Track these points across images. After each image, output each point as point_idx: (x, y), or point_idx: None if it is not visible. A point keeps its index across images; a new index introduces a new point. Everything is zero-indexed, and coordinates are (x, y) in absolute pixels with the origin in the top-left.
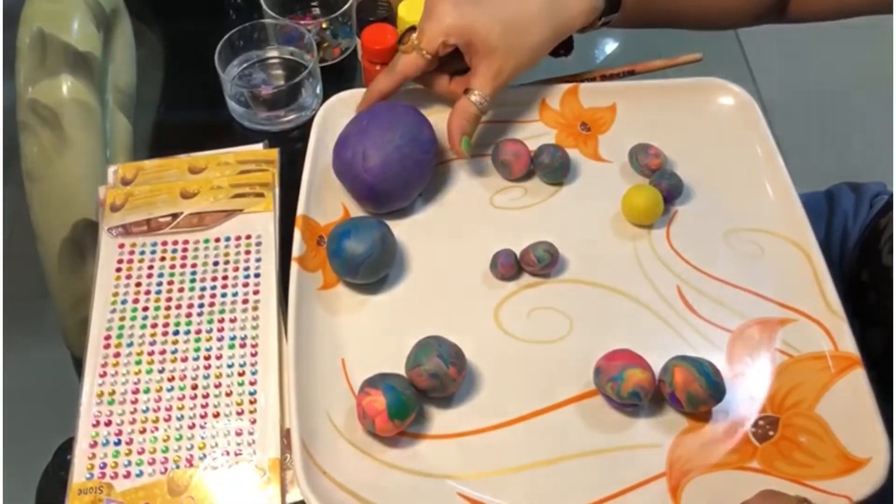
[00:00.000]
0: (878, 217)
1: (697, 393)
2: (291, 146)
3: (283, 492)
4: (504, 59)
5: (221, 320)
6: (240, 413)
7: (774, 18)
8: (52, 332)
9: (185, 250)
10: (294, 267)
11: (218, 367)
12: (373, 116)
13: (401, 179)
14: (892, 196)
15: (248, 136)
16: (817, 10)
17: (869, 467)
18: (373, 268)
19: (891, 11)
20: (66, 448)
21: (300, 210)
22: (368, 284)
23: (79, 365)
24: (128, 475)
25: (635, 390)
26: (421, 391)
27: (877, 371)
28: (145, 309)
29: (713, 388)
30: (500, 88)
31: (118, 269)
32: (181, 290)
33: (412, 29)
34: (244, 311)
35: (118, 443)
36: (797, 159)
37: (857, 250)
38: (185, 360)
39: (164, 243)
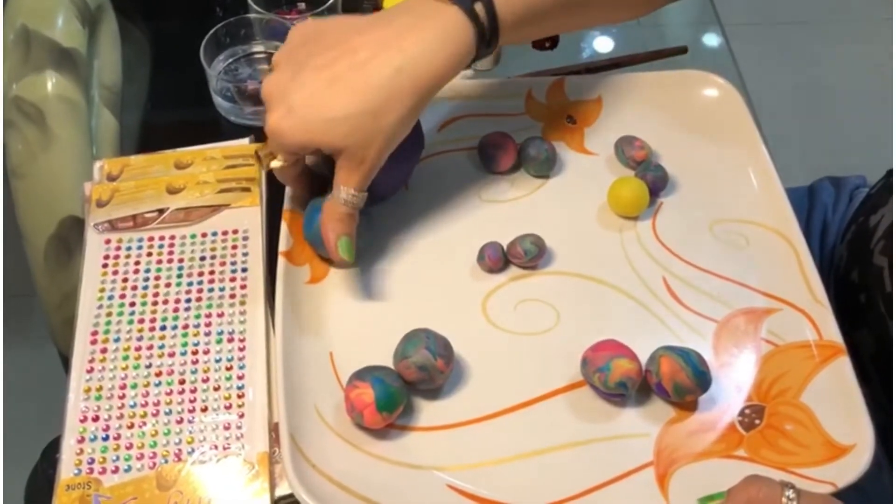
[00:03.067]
0: (866, 214)
1: (684, 382)
2: None
3: (272, 486)
4: (363, 150)
5: (209, 315)
6: (228, 407)
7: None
8: (38, 330)
9: (171, 245)
10: (281, 261)
11: (205, 362)
12: None
13: (386, 171)
14: (873, 191)
15: (234, 132)
16: None
17: (853, 454)
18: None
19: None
20: (55, 447)
21: (287, 205)
22: (355, 278)
23: (66, 362)
24: (116, 470)
25: (622, 380)
26: (409, 384)
27: (864, 372)
28: (132, 304)
29: (699, 377)
30: (368, 177)
31: (104, 265)
32: (168, 285)
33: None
34: (231, 305)
35: (106, 438)
36: (781, 155)
37: (845, 249)
38: (172, 355)
39: (151, 239)
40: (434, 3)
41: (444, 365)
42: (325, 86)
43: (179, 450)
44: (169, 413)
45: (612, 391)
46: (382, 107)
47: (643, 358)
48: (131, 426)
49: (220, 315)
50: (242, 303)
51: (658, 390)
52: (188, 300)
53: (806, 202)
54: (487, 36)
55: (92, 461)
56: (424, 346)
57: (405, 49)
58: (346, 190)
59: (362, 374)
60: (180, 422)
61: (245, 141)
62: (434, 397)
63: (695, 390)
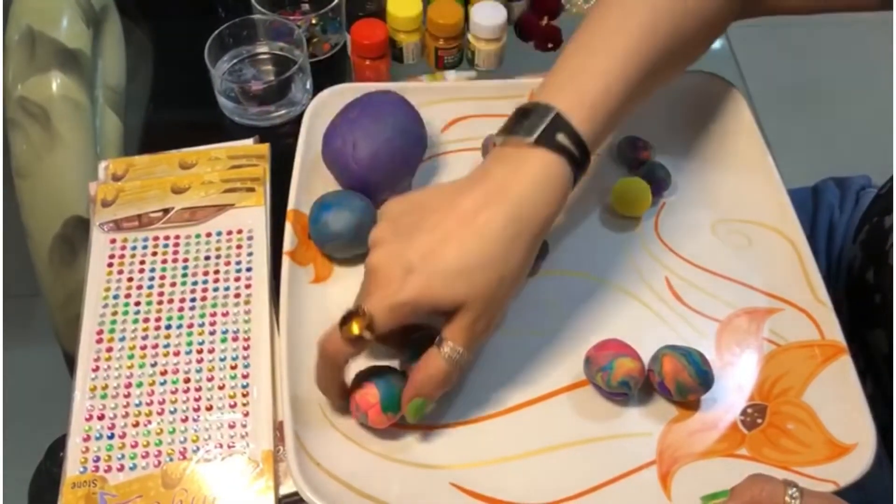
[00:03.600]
0: (880, 215)
1: (686, 382)
2: (282, 141)
3: (277, 484)
4: (484, 303)
5: (213, 314)
6: (233, 406)
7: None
8: (43, 330)
9: (176, 245)
10: (286, 261)
11: (210, 361)
12: (364, 107)
13: (390, 171)
14: (883, 191)
15: (238, 132)
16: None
17: (855, 453)
18: (341, 248)
19: (871, 9)
20: (59, 445)
21: (291, 204)
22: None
23: (70, 362)
24: (121, 468)
25: (625, 379)
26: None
27: (876, 371)
28: (137, 304)
29: (702, 376)
30: (481, 336)
31: (110, 265)
32: (173, 284)
33: (355, 312)
34: (236, 304)
35: (111, 436)
36: (782, 155)
37: (859, 249)
38: (177, 354)
39: (156, 238)
40: (522, 150)
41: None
42: (441, 242)
43: (184, 448)
44: (174, 412)
45: (615, 390)
46: (501, 257)
47: (646, 357)
48: (137, 424)
49: (225, 314)
50: (247, 302)
51: (661, 389)
52: (193, 299)
53: (810, 202)
54: (580, 159)
55: (97, 459)
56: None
57: (511, 198)
58: (452, 346)
59: (367, 374)
60: (185, 420)
61: (249, 141)
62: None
63: (697, 389)
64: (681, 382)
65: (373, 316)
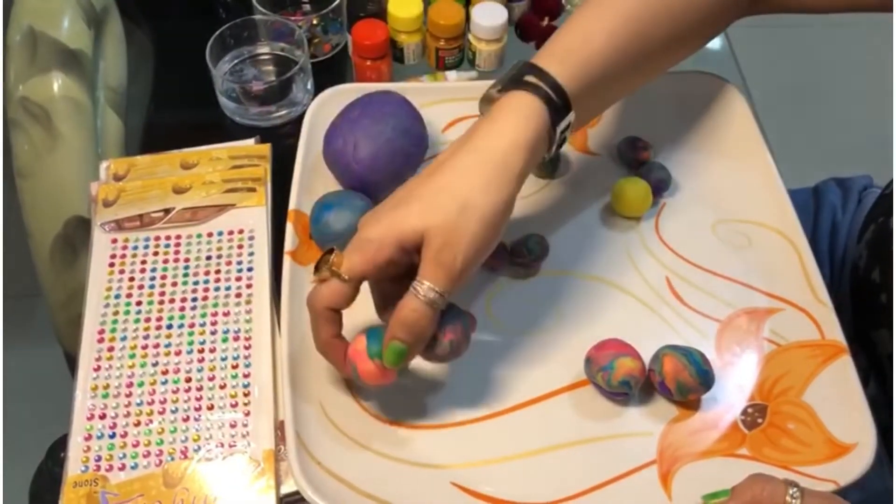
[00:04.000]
0: (886, 214)
1: (687, 381)
2: (283, 141)
3: (278, 483)
4: (441, 232)
5: (215, 314)
6: (234, 405)
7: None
8: (44, 330)
9: (177, 245)
10: (287, 261)
11: (211, 361)
12: (365, 107)
13: (390, 171)
14: (888, 191)
15: (239, 132)
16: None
17: (855, 452)
18: (342, 248)
19: (872, 9)
20: (60, 445)
21: (292, 204)
22: None
23: (71, 362)
24: (122, 467)
25: (625, 379)
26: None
27: (880, 371)
28: (139, 303)
29: (702, 376)
30: (450, 276)
31: (111, 264)
32: (174, 284)
33: (329, 253)
34: (237, 304)
35: (113, 436)
36: (783, 155)
37: (865, 248)
38: (178, 353)
39: (157, 238)
40: (493, 104)
41: (458, 335)
42: (409, 191)
43: (186, 447)
44: (175, 411)
45: (616, 390)
46: (459, 184)
47: (646, 357)
48: (138, 424)
49: (226, 314)
50: (248, 302)
51: (661, 389)
52: (194, 299)
53: (812, 203)
54: (554, 98)
55: (99, 458)
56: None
57: (471, 137)
58: (425, 284)
59: (362, 330)
60: (187, 420)
61: (250, 141)
62: (438, 395)
63: (698, 389)
64: (681, 382)
65: (342, 256)
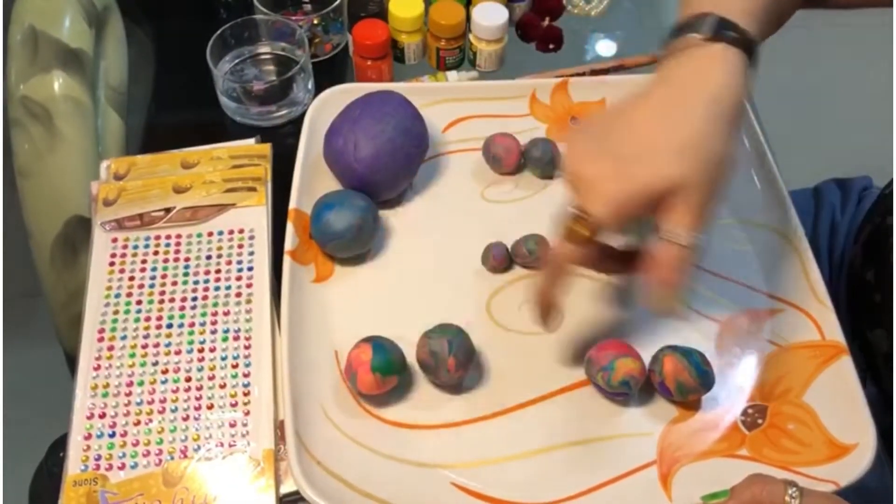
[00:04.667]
0: (882, 214)
1: (687, 382)
2: (283, 141)
3: (277, 482)
4: (698, 188)
5: (215, 313)
6: (233, 405)
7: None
8: (44, 330)
9: (178, 244)
10: (287, 260)
11: (211, 360)
12: (366, 106)
13: (391, 171)
14: (887, 191)
15: (240, 132)
16: None
17: (855, 453)
18: (343, 248)
19: None
20: (59, 445)
21: (292, 204)
22: (360, 277)
23: (71, 362)
24: (122, 467)
25: (625, 379)
26: (419, 362)
27: (876, 371)
28: (139, 302)
29: (703, 377)
30: (707, 218)
31: (111, 264)
32: (174, 283)
33: (577, 219)
34: (237, 304)
35: (112, 435)
36: (783, 156)
37: (858, 248)
38: (178, 352)
39: (158, 237)
40: (699, 48)
41: (453, 365)
42: (646, 134)
43: (185, 447)
44: (175, 410)
45: (616, 390)
46: (710, 136)
47: (647, 357)
48: (138, 423)
49: (226, 313)
50: (248, 301)
51: (661, 390)
52: (194, 298)
53: (812, 203)
54: (752, 49)
55: (99, 457)
56: (448, 338)
57: (705, 86)
58: (679, 230)
59: (367, 339)
60: (186, 419)
61: (251, 141)
62: (439, 395)
63: (698, 389)
64: (681, 382)
65: (596, 215)
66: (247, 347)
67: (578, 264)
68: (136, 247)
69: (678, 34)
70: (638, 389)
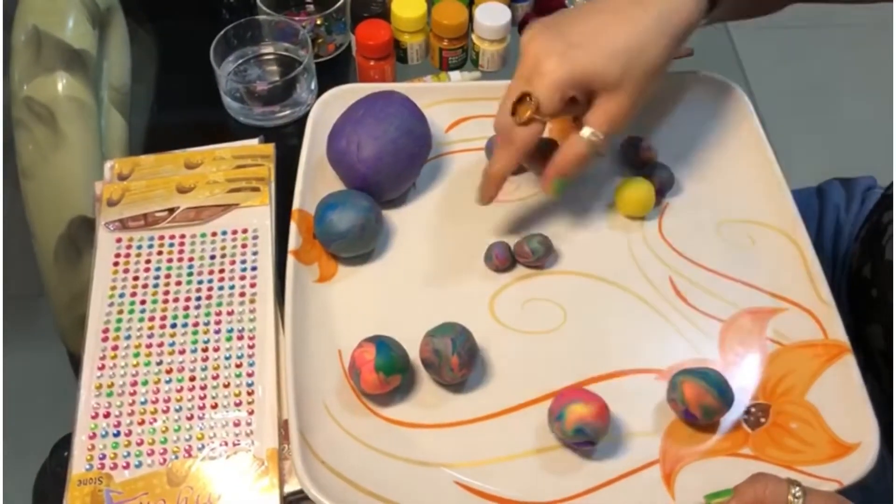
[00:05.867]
0: (880, 212)
1: (712, 404)
2: (287, 141)
3: (281, 482)
4: (625, 90)
5: (219, 313)
6: (238, 404)
7: None
8: (47, 330)
9: (182, 244)
10: (290, 260)
11: (216, 359)
12: (369, 107)
13: (394, 171)
14: (889, 190)
15: (243, 132)
16: None
17: (858, 452)
18: (346, 247)
19: None
20: (63, 445)
21: (296, 204)
22: (363, 276)
23: (75, 362)
24: (127, 466)
25: (578, 426)
26: (422, 361)
27: (875, 367)
28: (143, 302)
29: (724, 395)
30: (618, 124)
31: (115, 264)
32: (178, 283)
33: (523, 98)
34: (241, 303)
35: (117, 434)
36: (786, 156)
37: (857, 245)
38: (182, 352)
39: (161, 237)
40: None
41: (457, 364)
42: (599, 27)
43: (190, 446)
44: (179, 410)
45: (572, 440)
46: (652, 46)
47: (653, 361)
48: (142, 422)
49: (230, 313)
50: (252, 301)
51: (686, 417)
52: (198, 298)
53: (816, 203)
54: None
55: (103, 457)
56: (451, 337)
57: (663, 3)
58: (593, 130)
59: (371, 338)
60: (190, 418)
61: (254, 141)
62: (442, 394)
63: (723, 409)
64: (706, 406)
65: (539, 96)
66: (251, 347)
67: (522, 152)
68: (139, 247)
69: None
70: (600, 436)
